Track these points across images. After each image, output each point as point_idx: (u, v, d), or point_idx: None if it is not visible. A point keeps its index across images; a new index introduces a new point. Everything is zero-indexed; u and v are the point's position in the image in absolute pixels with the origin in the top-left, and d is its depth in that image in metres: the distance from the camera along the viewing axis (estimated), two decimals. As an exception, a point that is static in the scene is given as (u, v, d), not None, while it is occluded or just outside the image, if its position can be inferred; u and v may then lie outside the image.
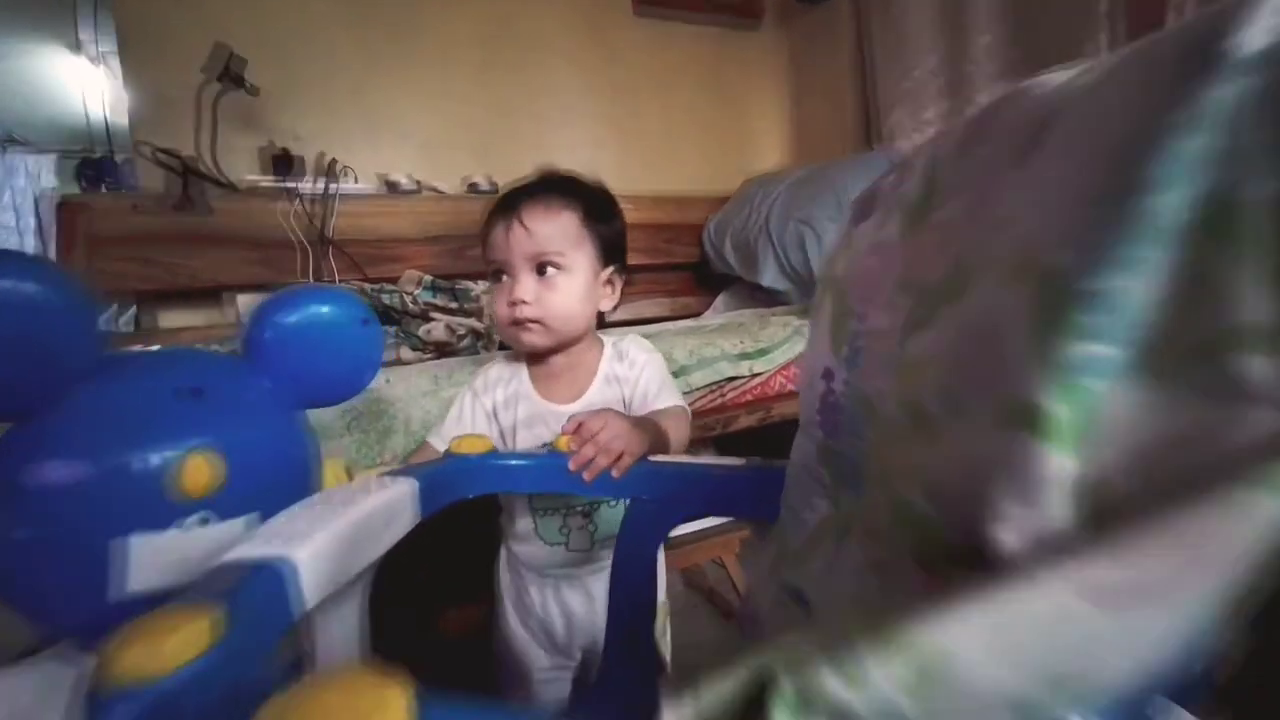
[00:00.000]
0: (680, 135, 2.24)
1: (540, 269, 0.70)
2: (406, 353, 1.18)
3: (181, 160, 1.44)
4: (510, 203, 0.72)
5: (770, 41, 2.40)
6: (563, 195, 0.73)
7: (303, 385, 0.51)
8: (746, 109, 2.38)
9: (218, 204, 1.48)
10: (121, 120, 1.52)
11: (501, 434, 0.77)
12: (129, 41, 1.49)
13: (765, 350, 1.08)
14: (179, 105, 1.52)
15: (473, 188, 1.81)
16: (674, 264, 2.07)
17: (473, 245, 1.73)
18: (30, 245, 1.53)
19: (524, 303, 0.70)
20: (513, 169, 1.81)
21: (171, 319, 1.52)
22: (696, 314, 2.01)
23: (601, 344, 0.80)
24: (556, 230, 0.70)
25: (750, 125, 2.39)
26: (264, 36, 1.59)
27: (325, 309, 0.52)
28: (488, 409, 0.77)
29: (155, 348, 0.77)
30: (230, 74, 1.42)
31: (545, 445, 0.75)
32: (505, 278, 0.72)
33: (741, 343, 1.08)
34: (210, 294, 1.51)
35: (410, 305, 1.30)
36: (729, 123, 2.34)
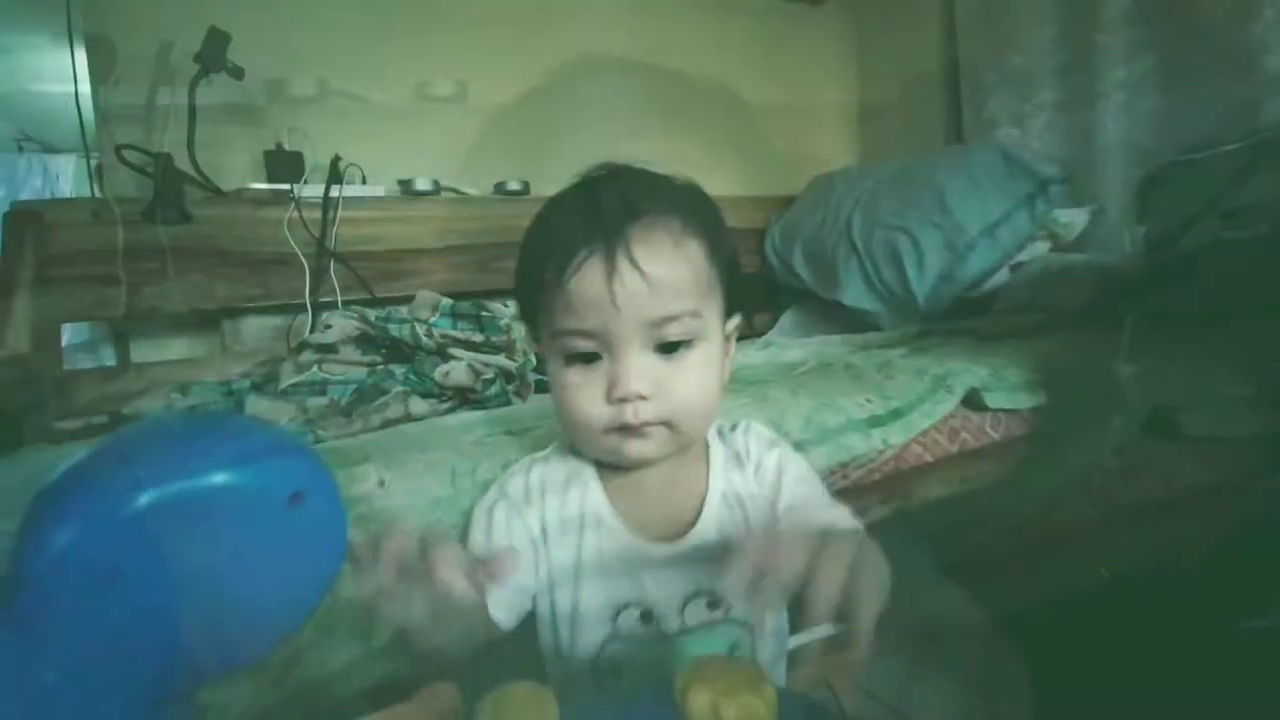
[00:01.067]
0: (735, 126, 1.95)
1: (664, 344, 0.45)
2: (418, 404, 0.91)
3: (154, 158, 1.19)
4: (599, 224, 0.44)
5: (834, 19, 2.09)
6: (681, 213, 0.46)
7: (137, 668, 0.24)
8: (809, 97, 2.08)
9: (198, 210, 1.23)
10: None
11: (550, 580, 0.49)
12: (96, 18, 1.25)
13: (900, 412, 0.79)
14: (154, 93, 1.27)
15: (499, 188, 1.55)
16: (733, 276, 1.77)
17: (500, 256, 1.47)
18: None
19: (642, 399, 0.44)
20: (543, 167, 1.58)
21: (144, 351, 1.28)
22: (760, 333, 1.72)
23: (705, 439, 0.53)
24: (688, 277, 0.45)
25: (814, 115, 2.09)
26: (254, 10, 1.33)
27: (210, 481, 0.26)
28: (534, 533, 0.49)
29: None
30: (209, 53, 1.17)
31: (626, 609, 0.47)
32: (594, 357, 0.45)
33: (869, 401, 0.79)
34: (187, 318, 1.26)
35: (424, 338, 1.03)
36: (790, 112, 2.04)
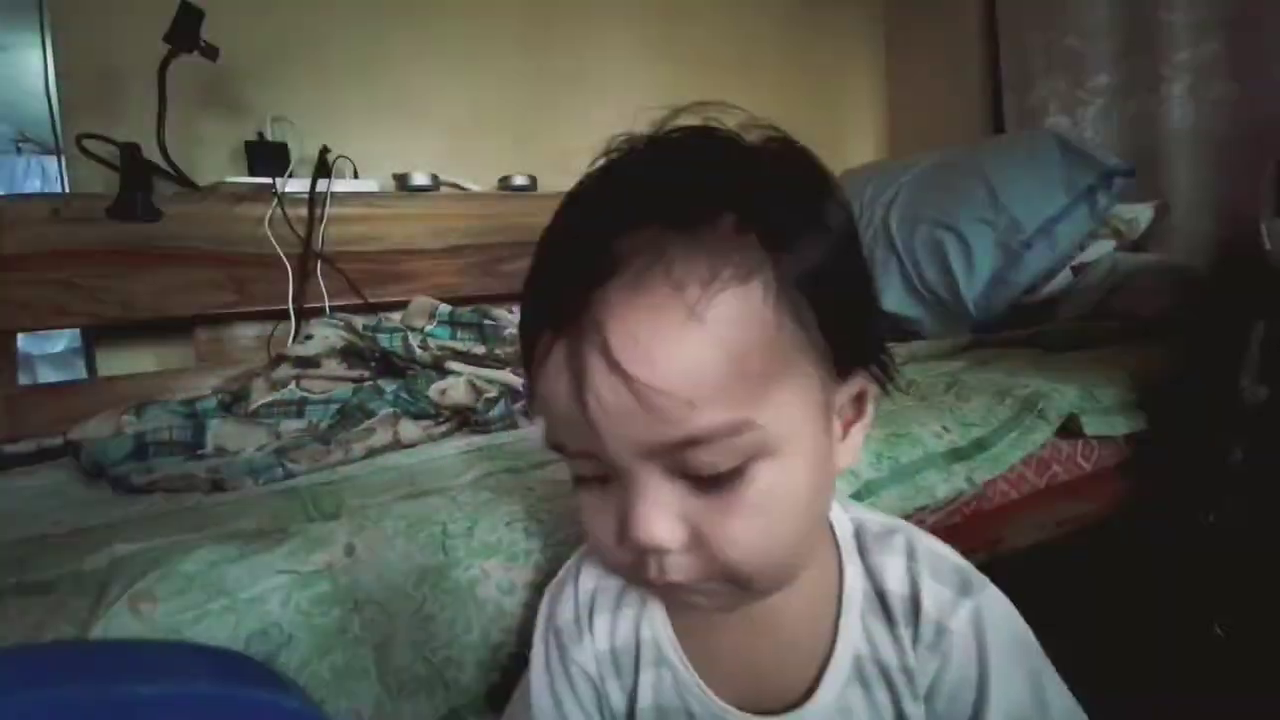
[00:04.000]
0: (758, 121, 1.81)
1: (697, 476, 0.27)
2: (409, 428, 0.78)
3: (120, 149, 1.07)
4: (561, 285, 0.27)
5: (862, 6, 1.96)
6: (744, 227, 0.27)
7: None
8: (838, 85, 1.96)
9: (170, 208, 1.11)
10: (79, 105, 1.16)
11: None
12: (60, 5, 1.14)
13: (984, 444, 0.65)
14: (121, 86, 1.15)
15: (505, 183, 1.42)
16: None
17: (506, 258, 1.34)
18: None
19: (665, 551, 0.28)
20: (554, 163, 1.45)
21: (114, 363, 1.16)
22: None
23: (833, 545, 0.35)
24: (719, 368, 0.26)
25: (843, 104, 1.97)
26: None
27: None
28: (590, 671, 0.36)
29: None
30: (181, 32, 1.05)
31: None
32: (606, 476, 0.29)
33: (947, 431, 0.65)
34: (158, 326, 1.14)
35: (419, 350, 0.91)
36: (818, 101, 1.91)
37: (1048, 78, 1.56)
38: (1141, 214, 1.32)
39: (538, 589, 0.44)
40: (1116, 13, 1.44)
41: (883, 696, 0.33)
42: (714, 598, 0.30)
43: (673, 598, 0.32)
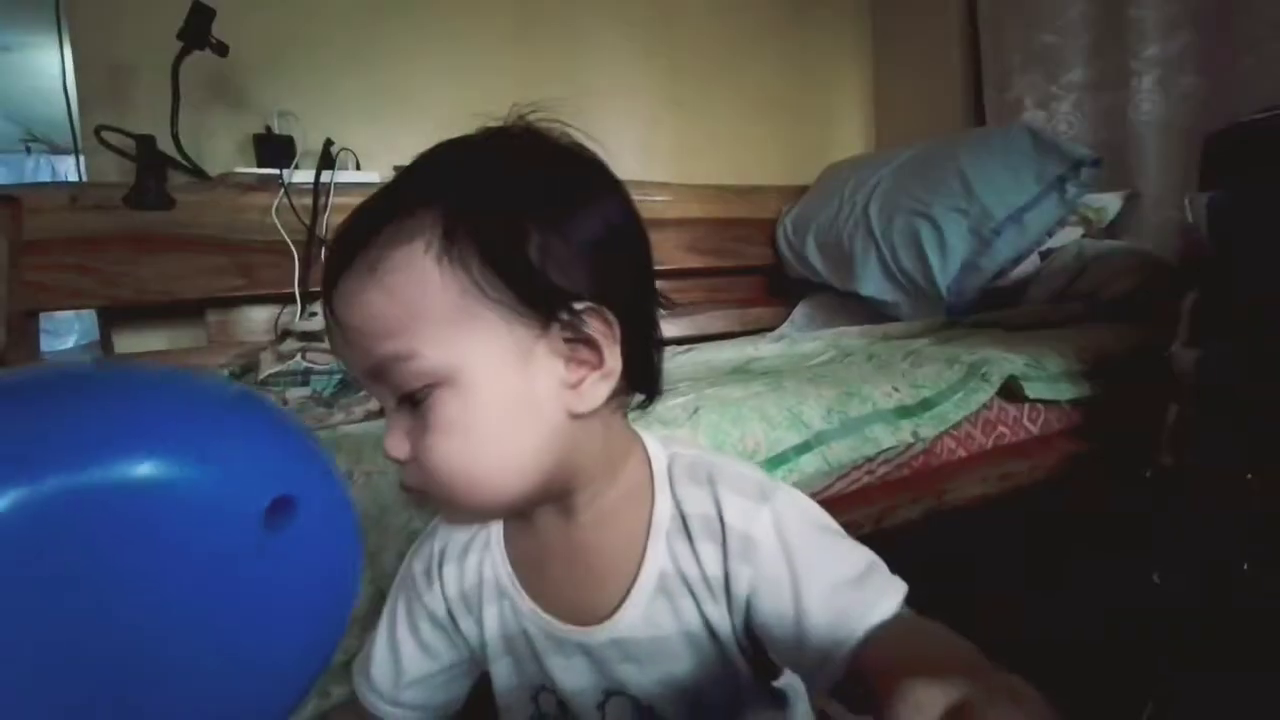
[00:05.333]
0: (749, 113, 1.88)
1: (405, 395, 0.33)
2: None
3: (135, 140, 1.14)
4: (327, 265, 0.35)
5: (851, 1, 2.02)
6: (437, 200, 0.33)
7: None
8: (825, 80, 2.01)
9: (183, 196, 1.17)
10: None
11: (470, 655, 0.42)
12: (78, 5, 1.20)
13: (930, 403, 0.71)
14: (136, 82, 1.21)
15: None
16: (743, 267, 1.70)
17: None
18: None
19: (398, 460, 0.34)
20: None
21: (129, 343, 1.22)
22: (771, 328, 1.64)
23: (647, 479, 0.39)
24: (387, 307, 0.32)
25: (829, 102, 2.02)
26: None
27: (132, 476, 0.15)
28: (438, 615, 0.42)
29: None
30: (193, 29, 1.11)
31: (544, 691, 0.41)
32: None
33: (896, 391, 0.71)
34: (171, 308, 1.20)
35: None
36: (805, 97, 1.97)
37: (1025, 73, 1.61)
38: (1110, 203, 1.37)
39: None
40: (1089, 10, 1.50)
41: (686, 603, 0.37)
42: (444, 510, 0.37)
43: (422, 505, 0.39)
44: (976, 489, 0.72)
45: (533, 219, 0.33)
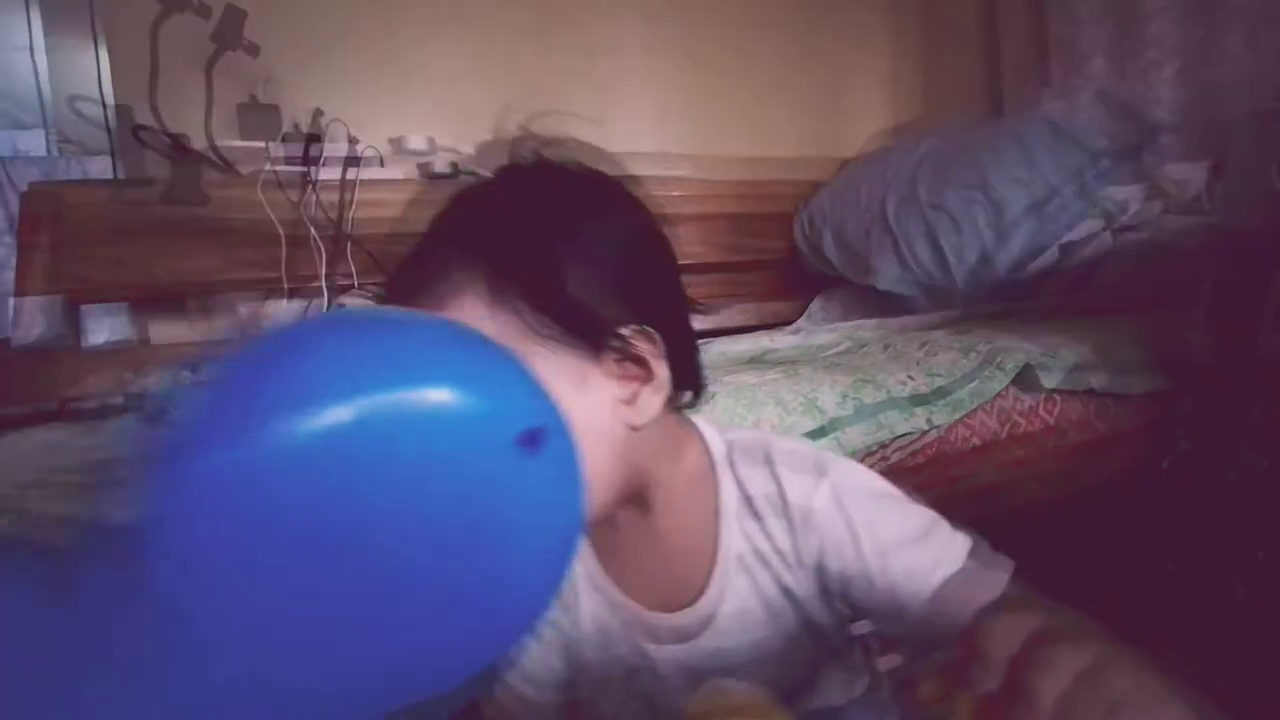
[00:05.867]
0: (764, 109, 1.88)
1: None
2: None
3: (170, 138, 1.18)
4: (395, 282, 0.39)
5: (868, -2, 2.01)
6: (446, 273, 0.35)
7: (302, 670, 0.17)
8: (843, 76, 2.00)
9: (215, 192, 1.21)
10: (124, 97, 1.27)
11: (565, 647, 0.44)
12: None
13: (945, 391, 0.72)
14: (169, 74, 1.25)
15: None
16: (760, 261, 1.71)
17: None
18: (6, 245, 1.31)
19: None
20: (549, 128, 1.52)
21: (163, 332, 1.26)
22: (788, 322, 1.65)
23: (709, 467, 0.41)
24: None
25: (848, 95, 2.02)
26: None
27: (412, 402, 0.17)
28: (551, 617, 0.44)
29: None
30: (225, 30, 1.15)
31: (638, 674, 0.42)
32: None
33: (911, 379, 0.72)
34: (204, 300, 1.24)
35: (438, 318, 1.00)
36: (823, 92, 1.97)
37: (1046, 62, 1.60)
38: (1194, 175, 1.31)
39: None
40: (1106, 1, 1.49)
41: (764, 576, 0.40)
42: None
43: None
44: (989, 477, 0.73)
45: (569, 258, 0.35)
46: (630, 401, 0.36)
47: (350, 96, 1.39)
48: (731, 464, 0.41)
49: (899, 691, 0.44)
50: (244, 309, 1.27)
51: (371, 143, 1.37)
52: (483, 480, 0.18)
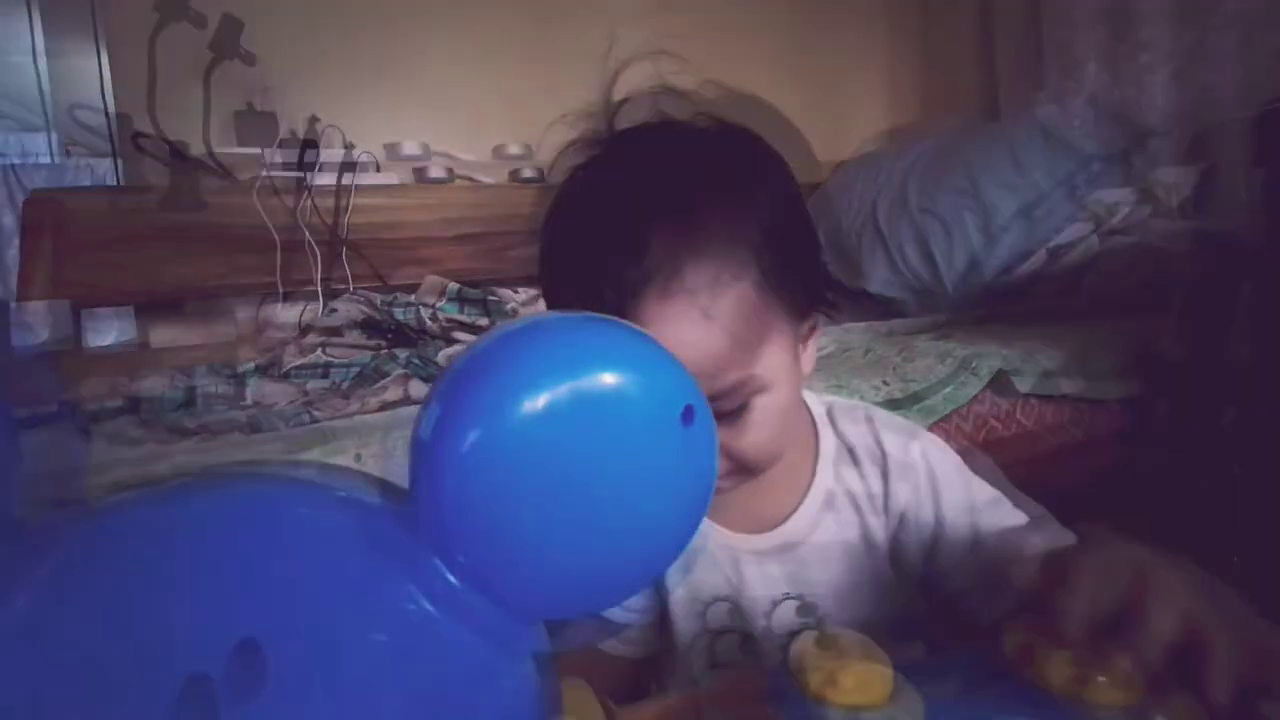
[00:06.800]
0: (760, 112, 1.88)
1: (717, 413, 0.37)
2: (418, 386, 0.89)
3: (168, 146, 1.20)
4: (619, 269, 0.35)
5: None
6: (718, 247, 0.36)
7: (523, 583, 0.24)
8: (838, 79, 2.01)
9: (213, 198, 1.24)
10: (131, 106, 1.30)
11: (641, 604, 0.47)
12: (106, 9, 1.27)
13: (920, 396, 0.73)
14: (168, 83, 1.28)
15: (515, 176, 1.52)
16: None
17: (513, 245, 1.44)
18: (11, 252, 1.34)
19: None
20: (540, 132, 1.53)
21: (163, 336, 1.29)
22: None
23: (812, 422, 0.46)
24: (725, 347, 0.36)
25: (843, 98, 2.02)
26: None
27: (604, 385, 0.23)
28: None
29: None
30: (224, 40, 1.17)
31: (716, 603, 0.45)
32: None
33: (885, 385, 0.73)
34: (203, 304, 1.27)
35: (429, 322, 1.01)
36: (818, 93, 1.97)
37: (1040, 66, 1.61)
38: (1184, 178, 1.31)
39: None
40: (1103, 2, 1.49)
41: (849, 517, 0.44)
42: (725, 483, 0.39)
43: None
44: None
45: (801, 235, 0.40)
46: (803, 354, 0.41)
47: (346, 103, 1.41)
48: (832, 419, 0.46)
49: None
50: (241, 313, 1.29)
51: (366, 148, 1.39)
52: (661, 445, 0.24)
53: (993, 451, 0.79)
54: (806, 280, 0.40)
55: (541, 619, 0.25)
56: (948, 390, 0.75)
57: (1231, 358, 0.70)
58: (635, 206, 0.36)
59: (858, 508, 0.44)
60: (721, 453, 0.36)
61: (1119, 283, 1.18)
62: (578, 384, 0.22)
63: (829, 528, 0.44)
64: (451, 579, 0.22)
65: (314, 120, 1.35)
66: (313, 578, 0.20)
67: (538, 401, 0.21)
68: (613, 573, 0.25)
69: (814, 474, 0.44)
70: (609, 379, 0.22)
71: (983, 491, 0.44)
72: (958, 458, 0.45)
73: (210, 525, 0.21)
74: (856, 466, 0.45)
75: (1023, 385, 0.78)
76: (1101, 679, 0.25)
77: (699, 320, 0.35)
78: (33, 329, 1.11)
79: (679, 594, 0.46)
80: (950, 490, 0.43)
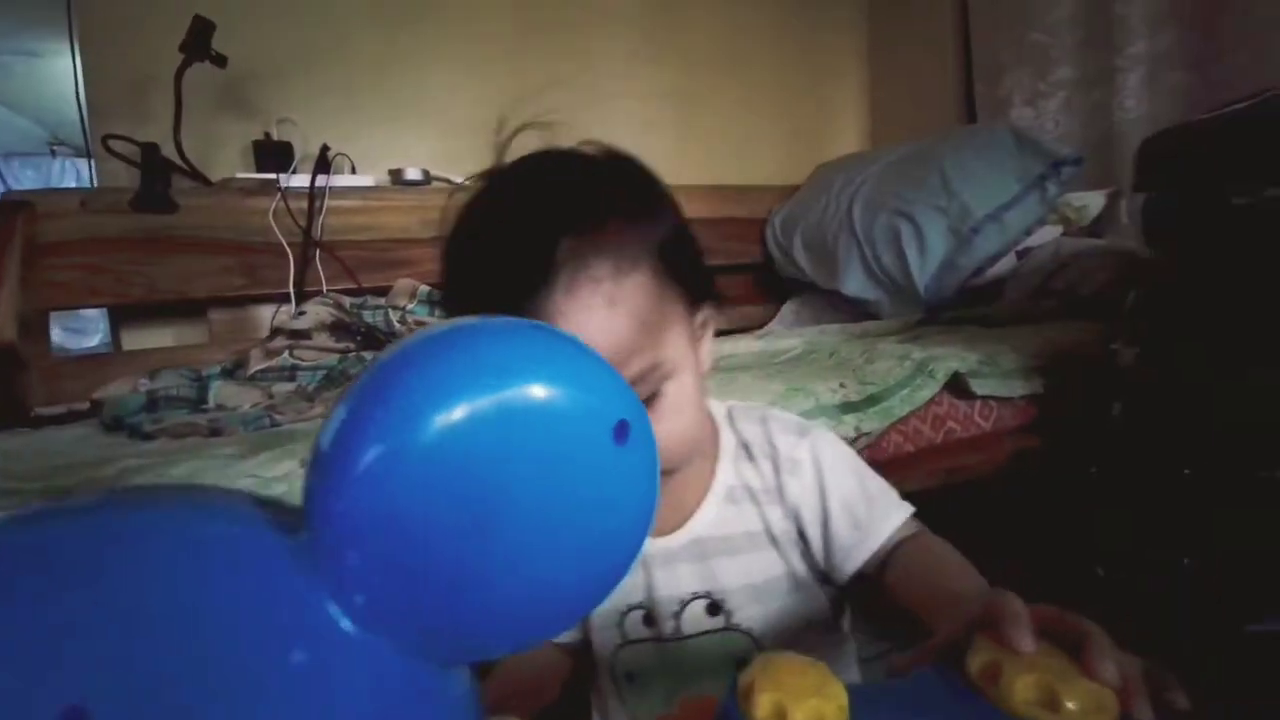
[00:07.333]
0: (746, 114, 1.90)
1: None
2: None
3: (140, 148, 1.20)
4: (512, 287, 0.36)
5: (849, 2, 2.03)
6: (616, 243, 0.37)
7: (432, 621, 0.21)
8: (822, 83, 2.03)
9: (186, 201, 1.23)
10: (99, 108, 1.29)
11: None
12: (86, 16, 1.27)
13: (877, 398, 0.74)
14: (142, 88, 1.27)
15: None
16: (735, 265, 1.73)
17: (490, 246, 1.44)
18: None
19: None
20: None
21: (136, 339, 1.28)
22: (760, 324, 1.67)
23: (713, 422, 0.49)
24: (632, 333, 0.37)
25: (827, 102, 2.04)
26: (242, 2, 1.34)
27: (533, 397, 0.20)
28: None
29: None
30: (196, 42, 1.17)
31: (631, 612, 0.47)
32: None
33: (843, 387, 0.74)
34: (176, 307, 1.26)
35: (398, 325, 1.01)
36: (802, 99, 1.99)
37: (1014, 71, 1.62)
38: (1093, 201, 1.38)
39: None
40: (1078, 8, 1.50)
41: (749, 509, 0.47)
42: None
43: None
44: (921, 482, 0.74)
45: (682, 230, 0.42)
46: (703, 347, 0.44)
47: (357, 133, 1.42)
48: (731, 419, 0.49)
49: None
50: (216, 316, 1.29)
51: (370, 171, 1.41)
52: (588, 466, 0.21)
53: (952, 453, 0.80)
54: (696, 272, 0.42)
55: (459, 663, 0.23)
56: (904, 393, 0.75)
57: (1117, 358, 0.72)
58: (539, 210, 0.38)
59: (756, 500, 0.46)
60: None
61: (1083, 283, 1.19)
62: (501, 395, 0.19)
63: (731, 520, 0.46)
64: (347, 625, 0.19)
65: (282, 120, 1.35)
66: (172, 615, 0.17)
67: (454, 413, 0.19)
68: (539, 608, 0.22)
69: (714, 472, 0.47)
70: (537, 390, 0.20)
71: (874, 484, 0.47)
72: (850, 451, 0.48)
73: (49, 552, 0.18)
74: (752, 462, 0.47)
75: (980, 388, 0.79)
76: (1071, 705, 0.23)
77: (605, 307, 0.36)
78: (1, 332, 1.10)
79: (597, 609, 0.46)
80: (838, 481, 0.45)
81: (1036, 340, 0.89)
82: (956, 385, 0.80)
